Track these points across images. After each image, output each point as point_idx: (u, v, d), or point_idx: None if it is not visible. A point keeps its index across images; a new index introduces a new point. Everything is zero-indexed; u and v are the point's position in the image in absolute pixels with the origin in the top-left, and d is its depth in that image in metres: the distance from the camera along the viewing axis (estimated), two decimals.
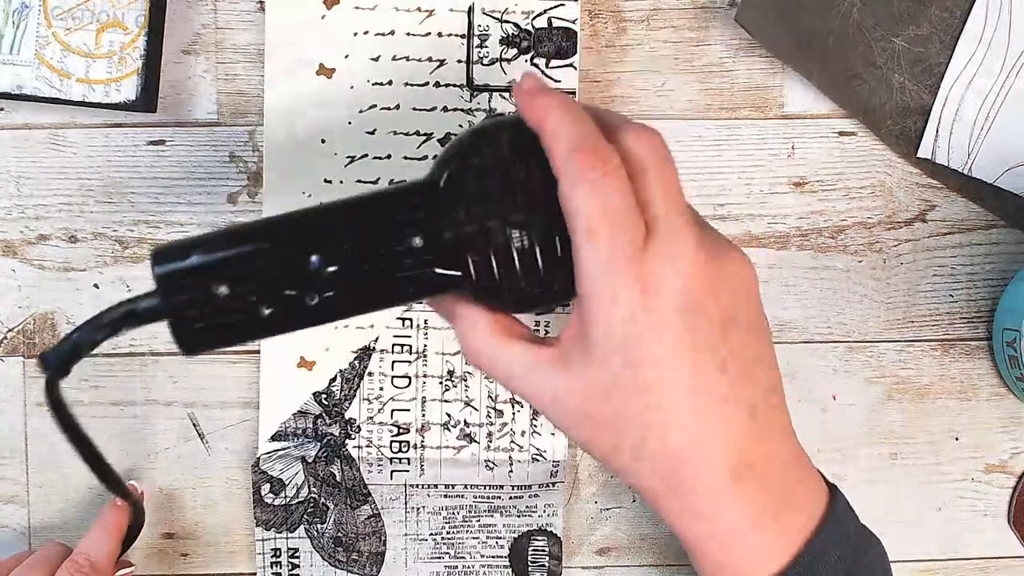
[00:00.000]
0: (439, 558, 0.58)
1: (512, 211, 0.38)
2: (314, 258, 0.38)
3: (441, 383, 0.57)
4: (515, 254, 0.38)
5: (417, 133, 0.57)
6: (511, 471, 0.57)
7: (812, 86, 0.58)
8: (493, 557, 0.58)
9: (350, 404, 0.57)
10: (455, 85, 0.57)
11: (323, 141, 0.56)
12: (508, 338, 0.39)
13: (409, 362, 0.57)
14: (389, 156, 0.57)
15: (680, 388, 0.37)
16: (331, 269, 0.38)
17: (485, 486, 0.58)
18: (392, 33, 0.56)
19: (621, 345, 0.36)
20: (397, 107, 0.56)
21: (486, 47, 0.56)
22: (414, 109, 0.57)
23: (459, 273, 0.38)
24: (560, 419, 0.39)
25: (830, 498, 0.41)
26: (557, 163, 0.37)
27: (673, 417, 0.37)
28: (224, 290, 0.38)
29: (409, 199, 0.39)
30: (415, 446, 0.57)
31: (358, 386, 0.57)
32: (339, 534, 0.58)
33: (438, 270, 0.39)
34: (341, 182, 0.56)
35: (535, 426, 0.57)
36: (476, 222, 0.38)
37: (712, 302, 0.37)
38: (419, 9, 0.56)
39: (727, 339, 0.37)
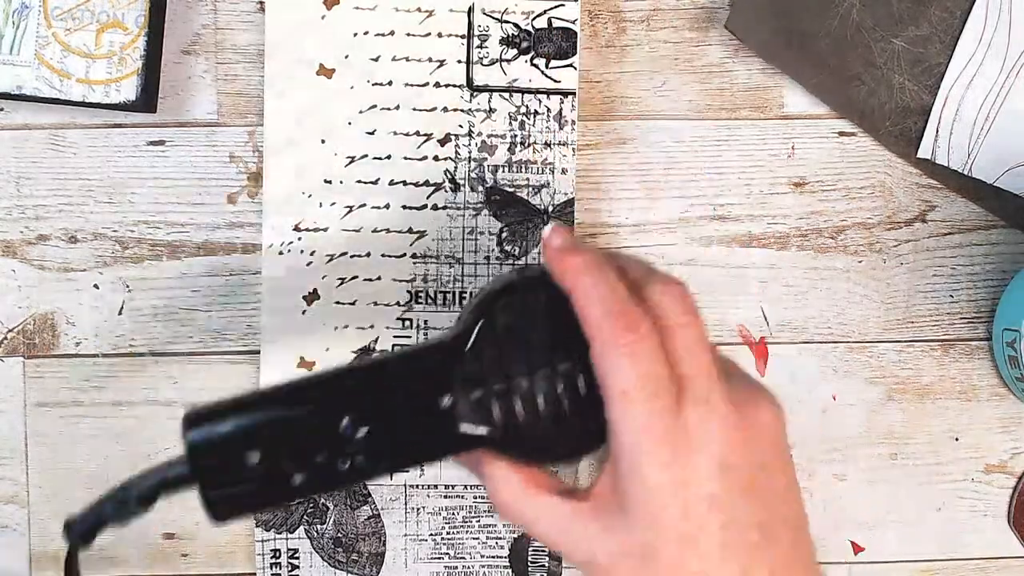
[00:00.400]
0: (439, 558, 0.58)
1: (539, 370, 0.38)
2: (345, 422, 0.38)
3: None
4: (543, 412, 0.38)
5: (417, 133, 0.57)
6: None
7: None
8: (493, 557, 0.58)
9: None
10: (455, 85, 0.57)
11: (323, 141, 0.56)
12: (539, 491, 0.40)
13: None
14: (389, 156, 0.57)
15: (716, 564, 0.37)
16: (361, 434, 0.38)
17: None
18: (392, 33, 0.56)
19: (659, 513, 0.37)
20: (397, 107, 0.56)
21: (486, 47, 0.56)
22: (414, 109, 0.57)
23: (488, 430, 0.39)
24: (594, 574, 0.39)
25: None
26: (590, 328, 0.38)
27: None
28: (256, 458, 0.38)
29: (436, 360, 0.39)
30: None
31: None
32: (339, 534, 0.58)
33: (467, 430, 0.39)
34: (341, 182, 0.56)
35: None
36: (504, 381, 0.38)
37: (744, 460, 0.38)
38: (419, 9, 0.56)
39: (758, 496, 0.38)
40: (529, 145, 0.57)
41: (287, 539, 0.57)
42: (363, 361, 0.40)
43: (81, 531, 0.41)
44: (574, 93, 0.57)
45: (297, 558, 0.57)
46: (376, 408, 0.38)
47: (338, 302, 0.57)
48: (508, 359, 0.38)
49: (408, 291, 0.57)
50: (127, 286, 0.57)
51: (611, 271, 0.39)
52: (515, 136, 0.57)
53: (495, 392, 0.38)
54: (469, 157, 0.57)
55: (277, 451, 0.38)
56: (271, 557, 0.57)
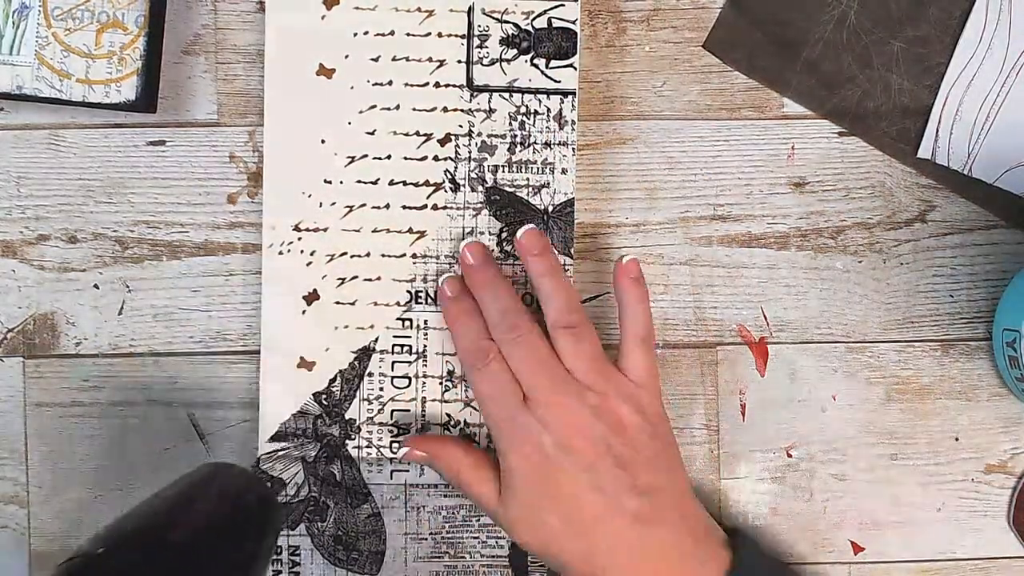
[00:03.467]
0: (439, 557, 0.58)
1: None
2: None
3: (441, 383, 0.57)
4: None
5: (417, 133, 0.57)
6: None
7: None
8: (493, 557, 0.58)
9: (350, 404, 0.57)
10: (455, 85, 0.57)
11: (323, 141, 0.56)
12: (480, 467, 0.54)
13: (409, 363, 0.57)
14: (389, 156, 0.57)
15: (567, 522, 0.51)
16: None
17: None
18: (392, 33, 0.56)
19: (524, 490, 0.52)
20: (397, 107, 0.56)
21: (486, 47, 0.56)
22: (414, 109, 0.57)
23: None
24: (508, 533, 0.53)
25: (732, 557, 0.52)
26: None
27: (570, 544, 0.51)
28: None
29: None
30: None
31: (358, 386, 0.57)
32: (339, 533, 0.58)
33: None
34: (341, 182, 0.56)
35: None
36: None
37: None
38: (419, 9, 0.56)
39: (600, 464, 0.51)
40: (529, 145, 0.57)
41: (288, 536, 0.57)
42: None
43: None
44: (574, 93, 0.57)
45: (298, 555, 0.57)
46: None
47: (338, 302, 0.57)
48: None
49: (408, 291, 0.57)
50: (127, 286, 0.57)
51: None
52: (515, 136, 0.57)
53: None
54: (469, 157, 0.57)
55: None
56: (272, 554, 0.57)
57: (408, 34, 0.56)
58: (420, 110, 0.57)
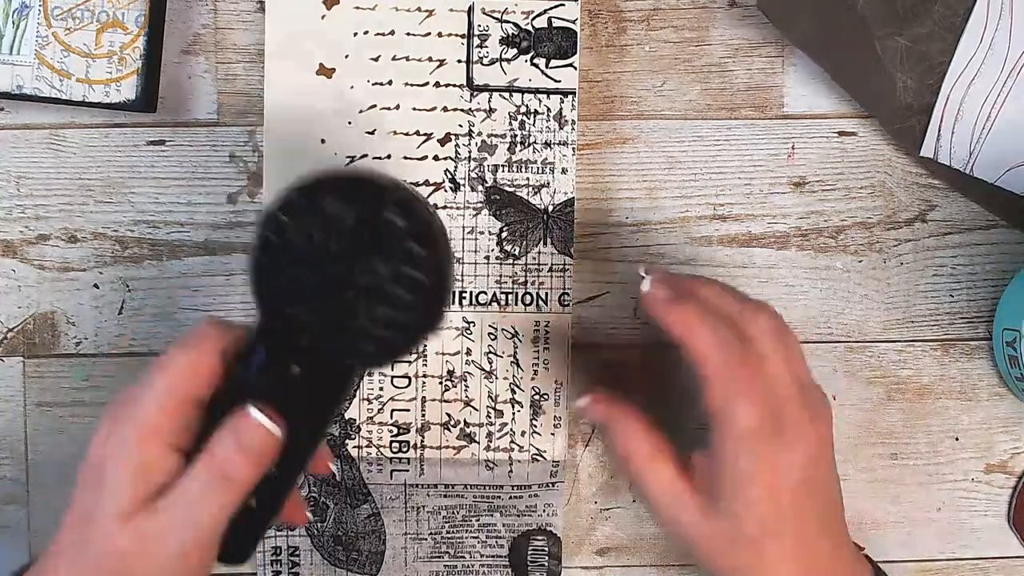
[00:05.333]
0: (439, 557, 0.58)
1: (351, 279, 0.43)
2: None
3: (441, 383, 0.57)
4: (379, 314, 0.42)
5: (417, 133, 0.57)
6: (511, 471, 0.57)
7: (812, 85, 0.58)
8: (493, 557, 0.58)
9: (350, 404, 0.57)
10: (455, 85, 0.57)
11: (323, 141, 0.56)
12: (664, 462, 0.47)
13: (409, 362, 0.57)
14: (389, 156, 0.57)
15: (787, 560, 0.46)
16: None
17: (485, 486, 0.58)
18: (392, 33, 0.56)
19: (747, 513, 0.45)
20: (397, 107, 0.56)
21: (486, 47, 0.56)
22: (414, 109, 0.57)
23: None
24: (685, 545, 0.47)
25: None
26: (710, 373, 0.45)
27: None
28: None
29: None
30: (415, 446, 0.57)
31: (358, 386, 0.57)
32: (339, 533, 0.58)
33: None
34: None
35: (535, 426, 0.57)
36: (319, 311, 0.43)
37: (817, 472, 0.46)
38: (419, 9, 0.56)
39: (820, 498, 0.47)
40: (529, 145, 0.57)
41: (288, 536, 0.57)
42: None
43: None
44: (574, 93, 0.57)
45: (297, 556, 0.57)
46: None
47: None
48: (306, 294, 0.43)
49: None
50: (127, 286, 0.57)
51: (716, 317, 0.46)
52: (515, 136, 0.57)
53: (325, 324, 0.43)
54: (469, 157, 0.57)
55: None
56: (272, 555, 0.57)
57: (408, 34, 0.56)
58: (420, 110, 0.57)
